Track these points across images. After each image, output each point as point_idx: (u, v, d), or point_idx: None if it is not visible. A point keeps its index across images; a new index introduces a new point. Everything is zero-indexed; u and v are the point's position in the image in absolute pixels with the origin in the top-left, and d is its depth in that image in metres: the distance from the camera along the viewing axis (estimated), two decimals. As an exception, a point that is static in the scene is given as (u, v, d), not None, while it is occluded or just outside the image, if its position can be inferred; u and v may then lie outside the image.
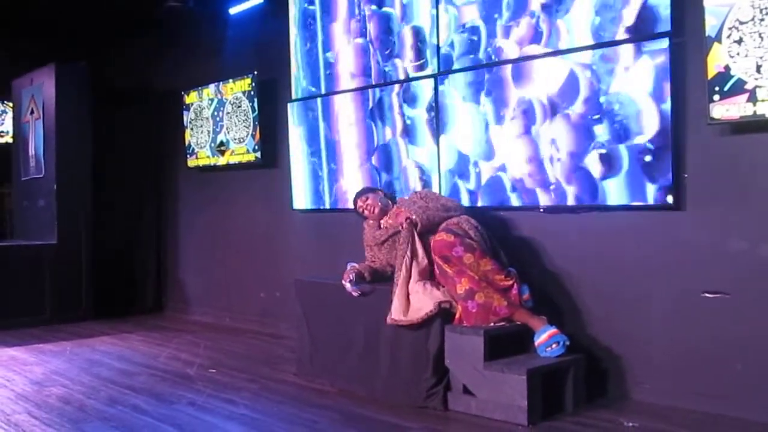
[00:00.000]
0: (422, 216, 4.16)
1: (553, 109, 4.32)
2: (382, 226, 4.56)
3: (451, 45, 4.86)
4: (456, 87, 4.81)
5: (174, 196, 7.87)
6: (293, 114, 6.06)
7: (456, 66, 4.84)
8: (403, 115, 5.17)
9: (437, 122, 4.92)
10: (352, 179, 5.58)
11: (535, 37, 4.41)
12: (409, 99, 5.13)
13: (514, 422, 3.60)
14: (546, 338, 3.82)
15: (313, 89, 5.91)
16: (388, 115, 5.27)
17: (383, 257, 4.50)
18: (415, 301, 4.03)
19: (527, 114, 4.44)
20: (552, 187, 4.34)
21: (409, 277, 4.06)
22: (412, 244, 4.10)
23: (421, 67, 5.08)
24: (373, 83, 5.42)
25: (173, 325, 7.06)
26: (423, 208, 4.23)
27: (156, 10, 7.05)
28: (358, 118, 5.52)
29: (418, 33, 5.09)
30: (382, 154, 5.36)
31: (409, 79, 5.15)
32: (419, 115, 5.06)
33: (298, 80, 6.04)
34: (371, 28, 5.44)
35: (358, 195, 4.78)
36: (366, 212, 4.65)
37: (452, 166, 4.85)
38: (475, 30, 4.72)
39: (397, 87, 5.22)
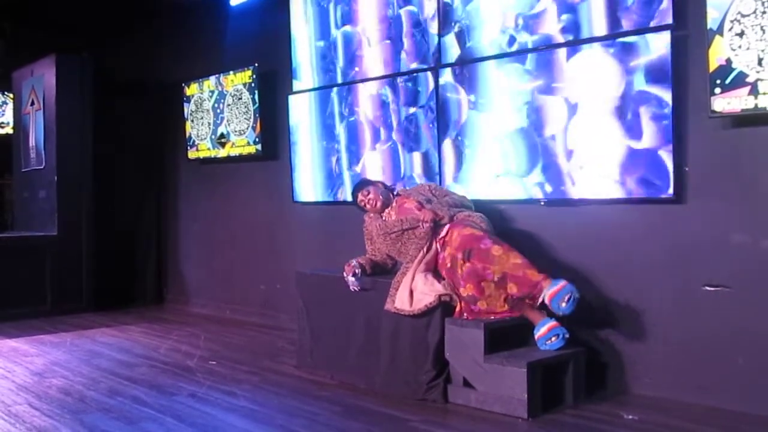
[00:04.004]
0: (448, 213, 4.18)
1: (557, 103, 4.31)
2: (383, 218, 4.55)
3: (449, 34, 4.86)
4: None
5: (175, 188, 7.87)
6: (308, 105, 6.00)
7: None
8: (396, 109, 5.18)
9: (437, 116, 4.92)
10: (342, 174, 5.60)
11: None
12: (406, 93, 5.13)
13: (514, 415, 3.61)
14: (545, 331, 3.81)
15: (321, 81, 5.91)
16: (386, 108, 5.28)
17: (385, 249, 4.49)
18: (416, 292, 4.04)
19: (532, 108, 4.43)
20: (552, 180, 4.34)
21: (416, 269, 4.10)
22: (430, 240, 4.13)
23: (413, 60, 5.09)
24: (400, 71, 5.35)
25: (174, 317, 7.07)
26: (444, 205, 4.25)
27: (157, 2, 7.03)
28: (354, 112, 5.52)
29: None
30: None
31: (402, 73, 5.16)
32: (416, 109, 5.07)
33: (300, 71, 6.04)
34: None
35: (358, 188, 4.74)
36: (368, 206, 4.62)
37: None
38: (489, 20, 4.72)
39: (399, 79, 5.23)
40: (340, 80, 5.69)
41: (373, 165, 5.42)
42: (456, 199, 4.44)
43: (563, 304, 3.71)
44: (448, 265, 4.04)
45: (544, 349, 3.80)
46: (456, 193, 4.59)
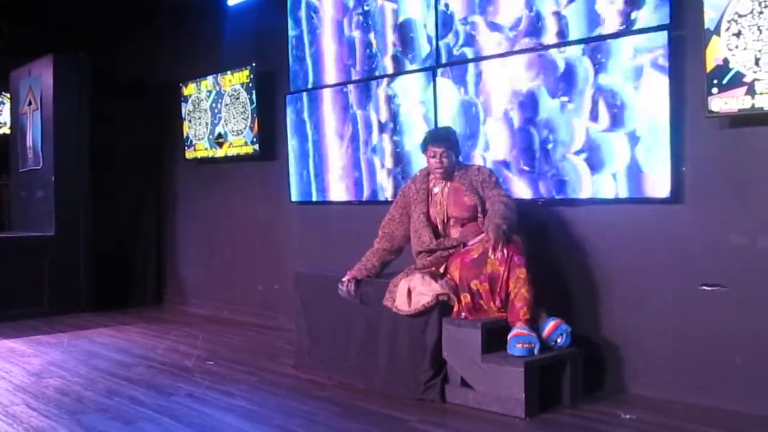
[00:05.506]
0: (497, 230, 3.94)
1: (549, 101, 4.31)
2: (432, 183, 4.27)
3: (446, 38, 4.86)
4: (450, 80, 4.81)
5: (172, 188, 7.86)
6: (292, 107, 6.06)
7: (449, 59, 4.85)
8: (394, 108, 5.19)
9: (434, 114, 4.92)
10: (339, 173, 5.60)
11: (532, 29, 4.41)
12: (401, 92, 5.13)
13: (512, 415, 3.61)
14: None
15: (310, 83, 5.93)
16: (382, 107, 5.28)
17: (408, 219, 4.31)
18: (414, 292, 4.04)
19: (523, 106, 4.44)
20: (549, 180, 4.34)
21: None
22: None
23: (412, 60, 5.10)
24: (365, 77, 5.44)
25: (171, 317, 7.07)
26: (504, 218, 3.94)
27: (156, 2, 7.01)
28: (350, 111, 5.52)
29: (410, 26, 5.10)
30: (374, 147, 5.37)
31: (401, 72, 5.17)
32: (412, 107, 5.07)
33: (296, 72, 6.05)
34: (365, 21, 5.44)
35: (440, 140, 4.21)
36: (433, 161, 4.18)
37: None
38: (471, 24, 4.72)
39: (385, 80, 5.25)
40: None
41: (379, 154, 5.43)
42: (501, 197, 4.13)
43: (518, 345, 3.71)
44: (475, 256, 3.96)
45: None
46: (501, 187, 4.28)
